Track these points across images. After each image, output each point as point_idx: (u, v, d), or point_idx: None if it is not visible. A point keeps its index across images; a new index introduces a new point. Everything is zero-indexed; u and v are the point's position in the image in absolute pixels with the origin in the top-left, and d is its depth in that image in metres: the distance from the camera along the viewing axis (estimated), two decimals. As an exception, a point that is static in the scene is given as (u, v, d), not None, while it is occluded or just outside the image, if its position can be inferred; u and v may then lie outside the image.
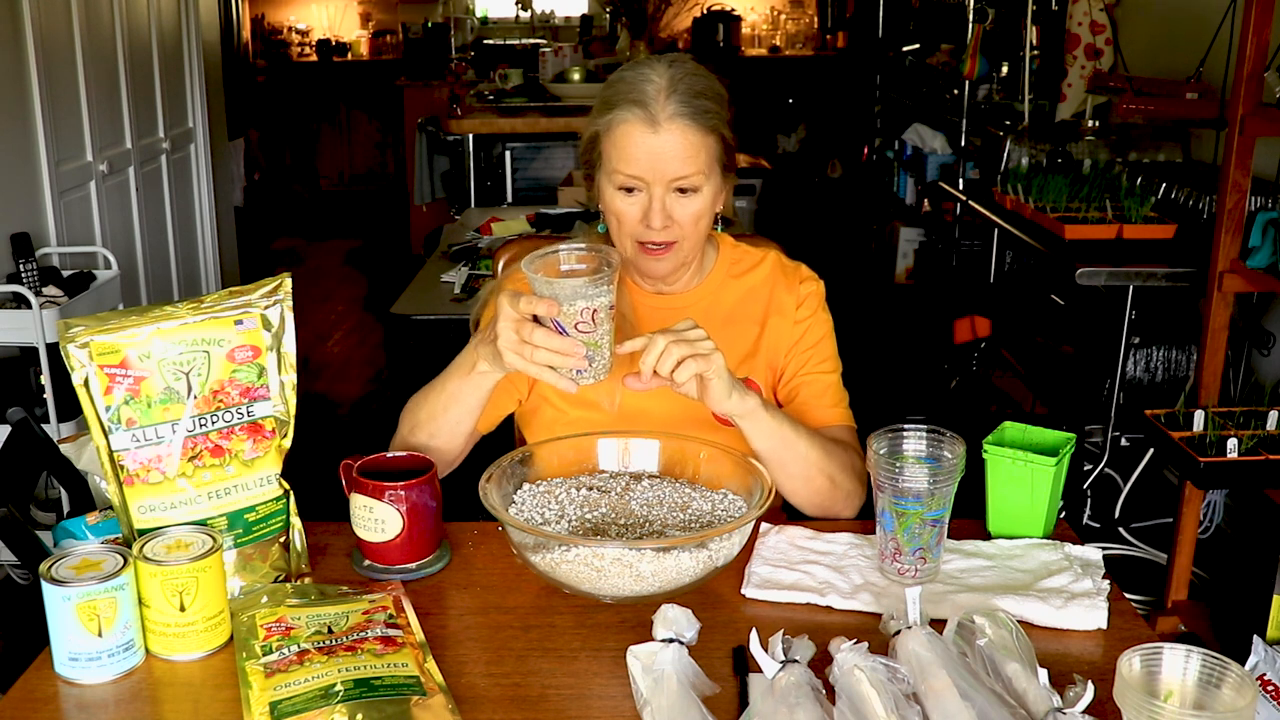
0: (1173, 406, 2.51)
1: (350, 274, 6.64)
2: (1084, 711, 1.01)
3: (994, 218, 3.60)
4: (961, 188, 4.21)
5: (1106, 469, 3.29)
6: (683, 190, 1.48)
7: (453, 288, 3.01)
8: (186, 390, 1.25)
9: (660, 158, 1.45)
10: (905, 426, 1.34)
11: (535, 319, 1.30)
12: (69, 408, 3.04)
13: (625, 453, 1.47)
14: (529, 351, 1.30)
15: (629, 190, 1.48)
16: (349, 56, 8.52)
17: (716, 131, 1.50)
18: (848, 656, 1.04)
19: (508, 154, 5.13)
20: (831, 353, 1.64)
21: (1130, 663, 0.98)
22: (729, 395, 1.36)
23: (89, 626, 1.13)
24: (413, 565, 1.35)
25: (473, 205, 5.03)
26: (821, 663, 1.12)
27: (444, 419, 1.48)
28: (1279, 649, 2.03)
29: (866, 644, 1.06)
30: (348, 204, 8.32)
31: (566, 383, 1.31)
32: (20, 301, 3.05)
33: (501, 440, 1.55)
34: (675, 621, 1.13)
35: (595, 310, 1.29)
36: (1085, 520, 3.31)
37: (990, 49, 4.56)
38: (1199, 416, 2.43)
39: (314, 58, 8.45)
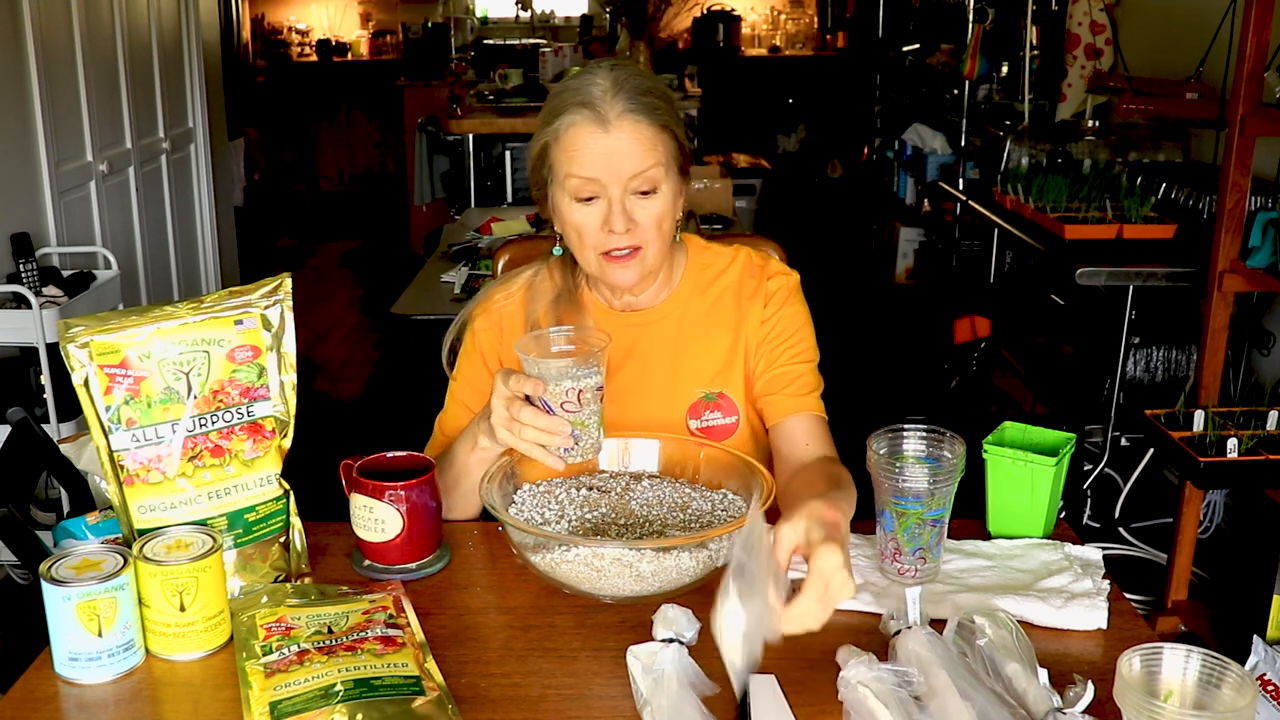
0: (1173, 406, 2.51)
1: (350, 274, 6.64)
2: (1084, 711, 1.01)
3: (994, 218, 3.60)
4: (961, 188, 4.21)
5: (1106, 469, 3.29)
6: (642, 192, 1.45)
7: (453, 288, 3.01)
8: (186, 390, 1.25)
9: (615, 157, 1.42)
10: (905, 426, 1.34)
11: (527, 398, 1.31)
12: (69, 408, 3.04)
13: (625, 453, 1.47)
14: (517, 429, 1.31)
15: (587, 200, 1.45)
16: (349, 56, 8.52)
17: (669, 129, 1.46)
18: (854, 671, 1.04)
19: (508, 154, 5.14)
20: (806, 345, 1.58)
21: (1130, 663, 0.98)
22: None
23: (89, 626, 1.13)
24: (413, 565, 1.35)
25: (473, 205, 5.03)
26: (820, 666, 1.12)
27: (456, 493, 1.47)
28: (1279, 649, 2.03)
29: (873, 655, 1.06)
30: (348, 204, 8.32)
31: (555, 460, 1.32)
32: (20, 301, 3.05)
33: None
34: (675, 621, 1.13)
35: (581, 391, 1.30)
36: (1085, 520, 3.31)
37: (990, 49, 4.56)
38: (1199, 416, 2.43)
39: (314, 58, 8.45)
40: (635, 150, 1.43)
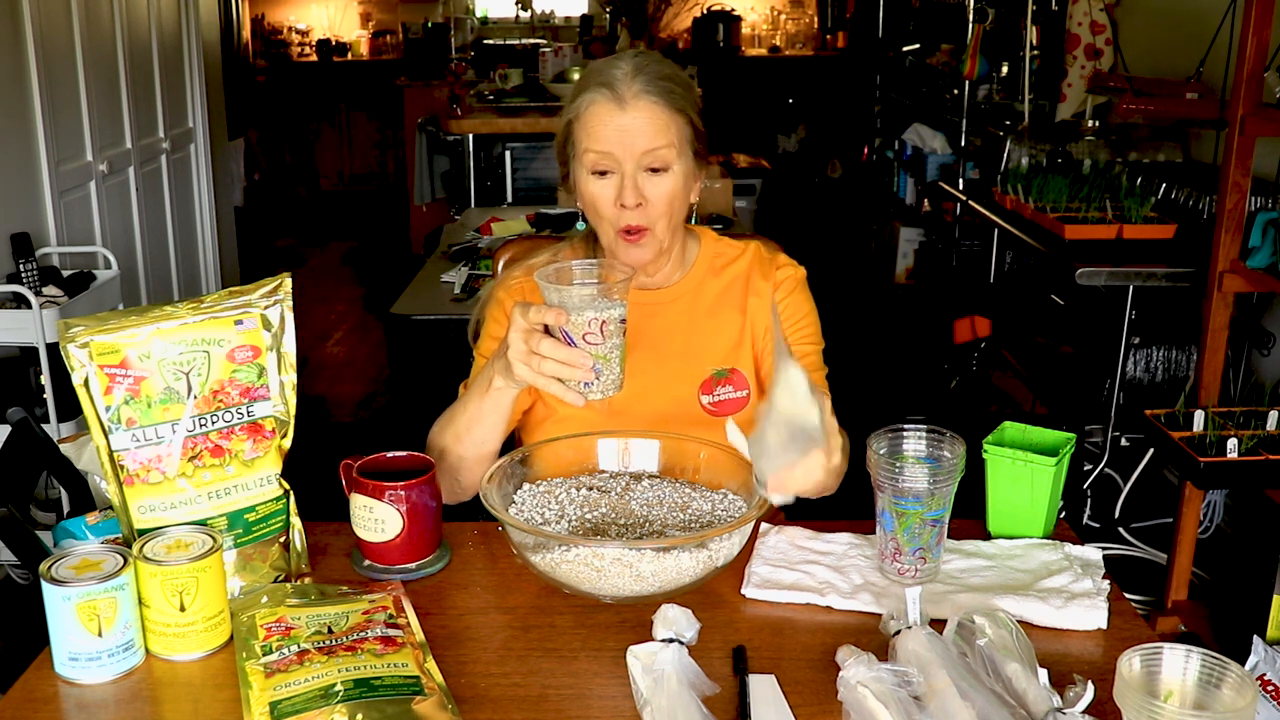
0: (1173, 406, 2.51)
1: (350, 274, 6.64)
2: (1084, 711, 1.01)
3: (994, 218, 3.60)
4: (961, 188, 4.21)
5: (1106, 469, 3.29)
6: (654, 170, 1.50)
7: (453, 288, 3.00)
8: (186, 390, 1.25)
9: (629, 133, 1.49)
10: (905, 426, 1.34)
11: (546, 330, 1.30)
12: (69, 408, 3.04)
13: (625, 453, 1.47)
14: (536, 362, 1.29)
15: (602, 173, 1.51)
16: (349, 56, 8.52)
17: (684, 113, 1.52)
18: (854, 671, 1.04)
19: (508, 154, 5.13)
20: (812, 330, 1.66)
21: (1130, 663, 0.98)
22: None
23: (89, 626, 1.13)
24: (413, 565, 1.35)
25: (473, 205, 5.03)
26: (820, 666, 1.12)
27: (469, 440, 1.47)
28: (1279, 649, 2.03)
29: (873, 655, 1.06)
30: (348, 204, 8.32)
31: (574, 396, 1.31)
32: (20, 301, 3.05)
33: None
34: (675, 621, 1.13)
35: (604, 322, 1.28)
36: (1085, 520, 3.31)
37: (990, 49, 4.56)
38: (1199, 416, 2.43)
39: (314, 58, 8.45)
40: (649, 129, 1.49)
